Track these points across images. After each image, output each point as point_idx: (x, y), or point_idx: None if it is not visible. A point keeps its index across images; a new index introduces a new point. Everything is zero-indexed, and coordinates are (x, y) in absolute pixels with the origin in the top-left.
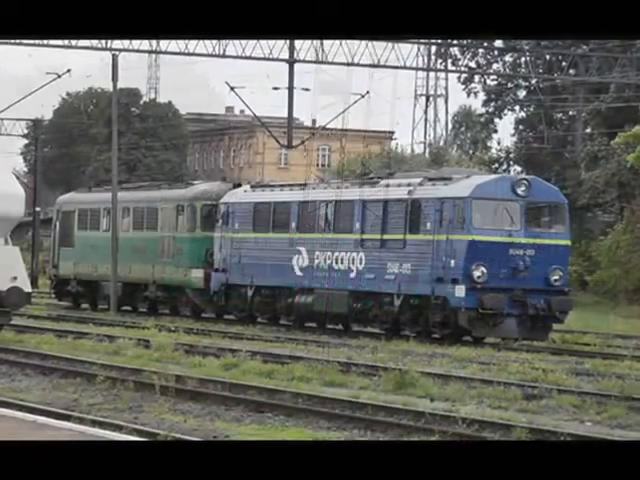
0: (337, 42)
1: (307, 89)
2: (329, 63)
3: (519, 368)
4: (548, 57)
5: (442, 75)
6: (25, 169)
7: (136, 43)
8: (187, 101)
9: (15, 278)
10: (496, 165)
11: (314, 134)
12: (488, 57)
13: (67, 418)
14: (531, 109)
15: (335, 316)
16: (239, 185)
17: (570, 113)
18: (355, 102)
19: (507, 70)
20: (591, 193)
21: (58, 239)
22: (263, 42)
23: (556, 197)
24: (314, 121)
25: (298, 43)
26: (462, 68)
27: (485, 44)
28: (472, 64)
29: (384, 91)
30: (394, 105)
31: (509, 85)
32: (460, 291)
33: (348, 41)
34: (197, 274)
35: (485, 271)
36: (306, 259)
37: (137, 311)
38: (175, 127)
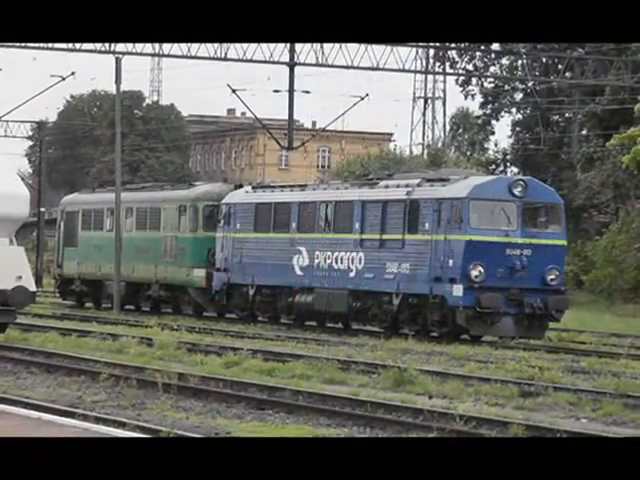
0: (337, 45)
1: (307, 91)
2: (329, 66)
3: (516, 366)
4: (544, 60)
5: (440, 78)
6: (30, 170)
7: (139, 46)
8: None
9: (20, 277)
10: (493, 166)
11: (314, 136)
12: (485, 60)
13: (71, 415)
14: (528, 111)
15: (335, 315)
16: (240, 186)
17: (566, 115)
18: (355, 104)
19: (504, 73)
20: (587, 194)
21: (62, 239)
22: (264, 45)
23: (552, 198)
24: (314, 123)
25: (298, 46)
26: (460, 71)
27: (482, 47)
28: (469, 67)
29: (383, 93)
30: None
31: (506, 87)
32: (458, 290)
33: (348, 44)
34: (199, 274)
35: (482, 270)
36: (306, 259)
37: (140, 310)
38: (177, 129)
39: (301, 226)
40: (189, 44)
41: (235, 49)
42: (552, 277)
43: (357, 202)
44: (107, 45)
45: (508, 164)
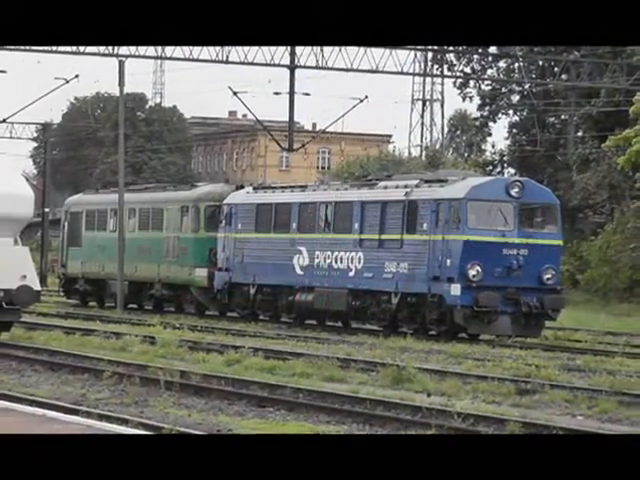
0: (337, 48)
1: (308, 94)
2: (329, 69)
3: (513, 364)
4: (541, 63)
5: (438, 80)
6: (34, 171)
7: (142, 49)
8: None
9: (25, 277)
10: (490, 167)
11: (314, 137)
12: (483, 63)
13: (75, 412)
14: (524, 113)
15: (335, 314)
16: (242, 187)
17: (562, 117)
18: (354, 106)
19: (501, 75)
20: (582, 195)
21: (66, 239)
22: (265, 48)
23: (548, 198)
24: (314, 125)
25: (299, 49)
26: (457, 73)
27: (480, 50)
28: (467, 70)
29: (382, 95)
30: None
31: (503, 90)
32: (456, 289)
33: (347, 47)
34: (201, 273)
35: (480, 270)
36: (306, 258)
37: (143, 309)
38: (180, 131)
39: (301, 226)
40: (191, 47)
41: (236, 52)
42: (548, 276)
43: (356, 203)
44: (110, 48)
45: (505, 165)
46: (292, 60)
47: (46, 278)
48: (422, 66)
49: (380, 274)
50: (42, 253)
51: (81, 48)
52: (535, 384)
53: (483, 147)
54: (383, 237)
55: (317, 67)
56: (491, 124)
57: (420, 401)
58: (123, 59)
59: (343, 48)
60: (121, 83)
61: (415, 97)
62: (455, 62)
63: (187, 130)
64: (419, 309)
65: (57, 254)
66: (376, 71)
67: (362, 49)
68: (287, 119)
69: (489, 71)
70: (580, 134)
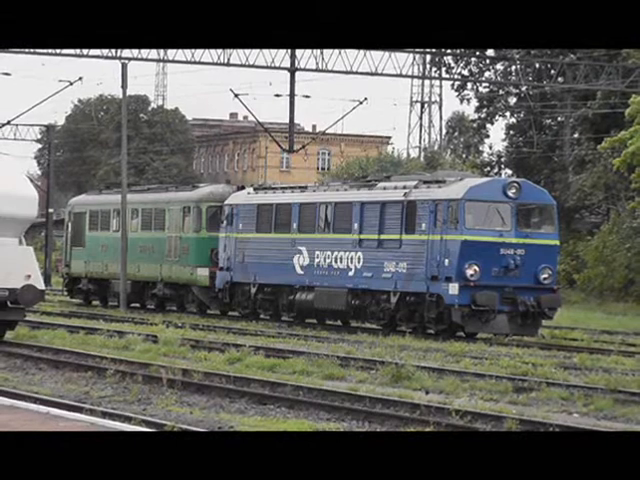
0: (336, 51)
1: (308, 96)
2: (329, 71)
3: (510, 362)
4: (537, 65)
5: (436, 83)
6: (39, 172)
7: (145, 52)
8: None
9: (29, 276)
10: (488, 168)
11: (314, 139)
12: (480, 65)
13: (79, 410)
14: (521, 115)
15: (334, 312)
16: (243, 187)
17: (558, 119)
18: (354, 108)
19: (498, 78)
20: (579, 195)
21: (70, 239)
22: (266, 51)
23: (545, 199)
24: (314, 126)
25: (299, 52)
26: (455, 76)
27: (477, 53)
28: (465, 72)
29: (381, 97)
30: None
31: (500, 92)
32: (454, 289)
33: (347, 50)
34: (203, 272)
35: (477, 270)
36: (307, 258)
37: (145, 308)
38: (182, 132)
39: (301, 226)
40: (193, 50)
41: (238, 55)
42: (545, 276)
43: (356, 203)
44: (114, 51)
45: (502, 166)
46: (292, 63)
47: (50, 278)
48: (421, 69)
49: (379, 274)
50: (46, 253)
51: (85, 51)
52: (532, 382)
53: (481, 148)
54: (382, 237)
55: (317, 70)
56: (488, 126)
57: (418, 399)
58: (126, 62)
59: (343, 51)
60: (124, 85)
61: (414, 99)
62: (453, 65)
63: (189, 132)
64: (418, 308)
65: (61, 254)
66: (375, 73)
67: (362, 52)
68: (287, 121)
69: (487, 74)
70: (576, 136)
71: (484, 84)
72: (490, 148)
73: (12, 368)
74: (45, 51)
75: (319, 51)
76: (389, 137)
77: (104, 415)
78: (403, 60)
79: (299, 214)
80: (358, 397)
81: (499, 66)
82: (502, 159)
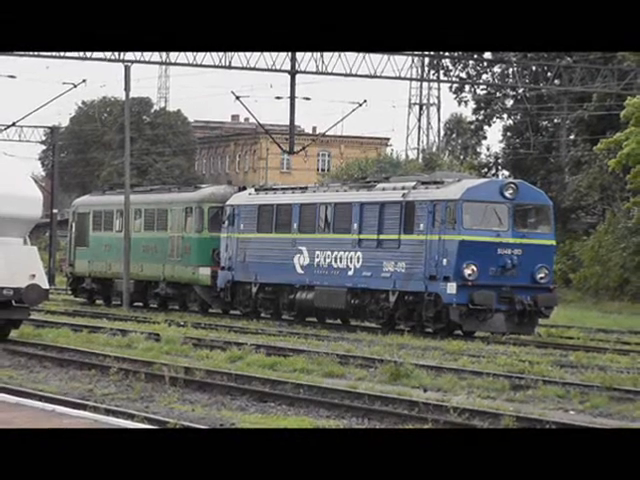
0: (336, 54)
1: (308, 98)
2: (329, 74)
3: (507, 360)
4: (534, 68)
5: (435, 85)
6: (43, 173)
7: (147, 55)
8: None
9: (33, 276)
10: (485, 170)
11: (315, 140)
12: (478, 68)
13: (83, 407)
14: (518, 117)
15: (334, 311)
16: (244, 188)
17: (555, 121)
18: (353, 110)
19: (496, 80)
20: (575, 196)
21: (74, 239)
22: (266, 54)
23: (542, 200)
24: (314, 128)
25: (299, 55)
26: (453, 78)
27: (475, 56)
28: (463, 75)
29: (380, 100)
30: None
31: (497, 94)
32: (452, 288)
33: (347, 53)
34: (204, 272)
35: (475, 269)
36: (307, 258)
37: (148, 307)
38: (184, 134)
39: (302, 227)
40: (195, 53)
41: (239, 58)
42: (541, 275)
43: (355, 204)
44: (117, 54)
45: (499, 167)
46: (293, 65)
47: (54, 277)
48: (419, 71)
49: (378, 273)
50: (50, 253)
51: (88, 54)
52: (529, 380)
53: (478, 150)
54: (381, 237)
55: (317, 72)
56: (486, 127)
57: (417, 396)
58: (129, 64)
59: (342, 54)
60: (127, 88)
61: (412, 101)
62: (451, 67)
63: (191, 133)
64: (416, 307)
65: (65, 254)
66: (375, 76)
67: (361, 55)
68: (288, 123)
69: (484, 76)
70: (572, 137)
71: (482, 86)
72: (487, 149)
73: (17, 366)
74: (49, 54)
75: (319, 54)
76: (388, 139)
77: (108, 412)
78: (402, 63)
79: (299, 214)
80: (357, 395)
81: (496, 69)
82: (499, 160)
